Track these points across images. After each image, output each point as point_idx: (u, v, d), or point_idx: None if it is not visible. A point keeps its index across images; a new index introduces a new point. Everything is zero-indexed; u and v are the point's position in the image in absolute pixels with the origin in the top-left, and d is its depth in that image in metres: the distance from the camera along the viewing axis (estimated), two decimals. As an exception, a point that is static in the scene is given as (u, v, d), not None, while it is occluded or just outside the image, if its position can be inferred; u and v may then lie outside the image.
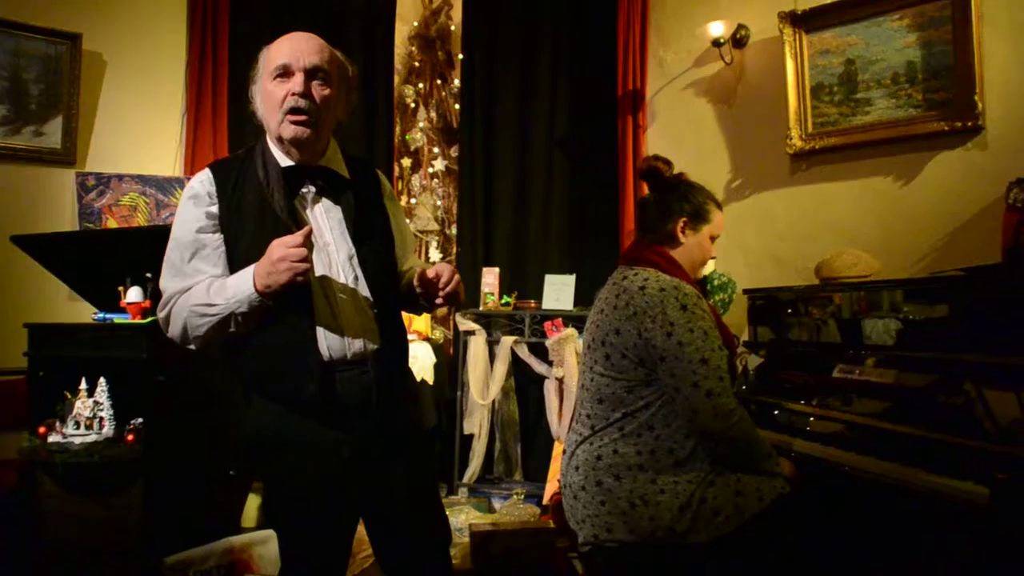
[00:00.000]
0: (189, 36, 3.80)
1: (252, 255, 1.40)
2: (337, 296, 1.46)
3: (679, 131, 3.65)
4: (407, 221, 1.96)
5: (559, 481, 1.88)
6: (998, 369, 1.71)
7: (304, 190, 1.51)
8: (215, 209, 1.47)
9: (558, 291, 3.74)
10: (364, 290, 1.50)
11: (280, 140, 1.48)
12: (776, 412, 2.33)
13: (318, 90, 1.46)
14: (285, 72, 1.45)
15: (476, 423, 3.76)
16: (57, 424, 2.34)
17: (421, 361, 3.68)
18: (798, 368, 2.42)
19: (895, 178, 2.95)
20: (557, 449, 3.46)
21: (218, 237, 1.47)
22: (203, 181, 1.49)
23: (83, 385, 2.34)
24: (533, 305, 3.75)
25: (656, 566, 1.66)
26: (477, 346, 3.72)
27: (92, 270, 2.67)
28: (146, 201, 3.56)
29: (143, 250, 2.33)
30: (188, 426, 2.47)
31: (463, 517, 3.25)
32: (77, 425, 2.31)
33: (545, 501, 3.32)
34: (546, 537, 2.81)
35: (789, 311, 2.59)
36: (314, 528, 1.48)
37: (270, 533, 2.53)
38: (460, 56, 4.24)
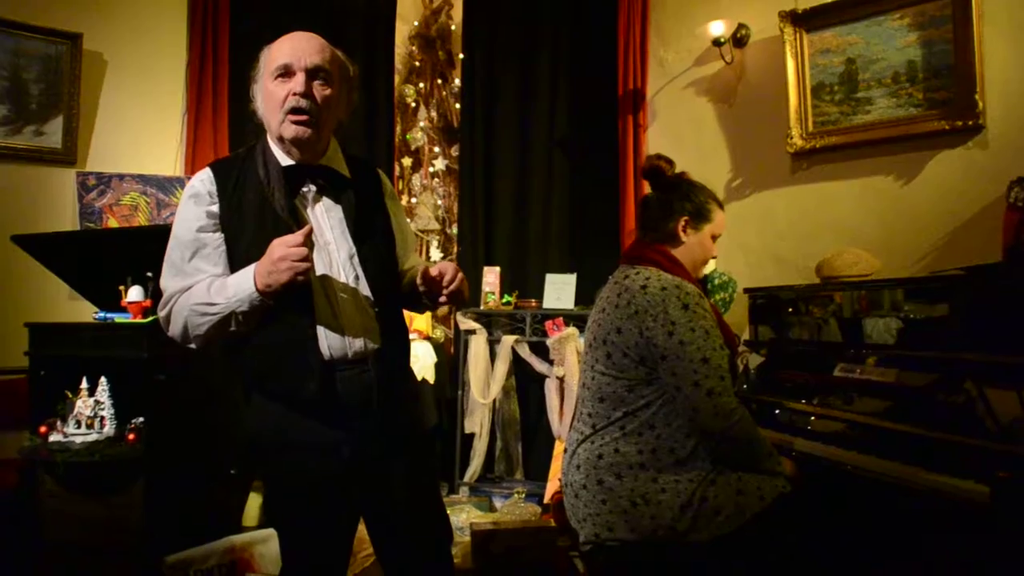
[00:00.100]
0: (189, 36, 3.80)
1: (253, 254, 1.40)
2: (338, 295, 1.46)
3: (680, 130, 3.65)
4: (408, 220, 1.96)
5: (560, 480, 1.88)
6: (999, 368, 1.71)
7: (305, 189, 1.51)
8: (216, 208, 1.46)
9: (559, 290, 3.74)
10: (365, 289, 1.50)
11: (281, 140, 1.48)
12: (777, 411, 2.33)
13: (319, 90, 1.46)
14: (286, 72, 1.45)
15: (477, 422, 3.77)
16: (58, 423, 2.34)
17: (422, 360, 3.68)
18: (799, 367, 2.42)
19: (896, 177, 2.95)
20: (558, 448, 3.46)
21: (219, 236, 1.47)
22: (204, 180, 1.49)
23: (84, 384, 2.35)
24: (534, 304, 3.75)
25: (657, 565, 1.66)
26: (478, 345, 3.73)
27: (93, 270, 2.67)
28: (147, 201, 3.56)
29: (144, 249, 2.33)
30: (189, 425, 2.47)
31: (464, 516, 3.25)
32: (78, 424, 2.32)
33: (546, 500, 3.32)
34: (547, 536, 2.81)
35: (790, 310, 2.59)
36: (315, 527, 1.48)
37: (271, 532, 2.53)
38: (460, 56, 4.24)
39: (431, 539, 1.59)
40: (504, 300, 3.80)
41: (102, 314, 2.55)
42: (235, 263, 1.45)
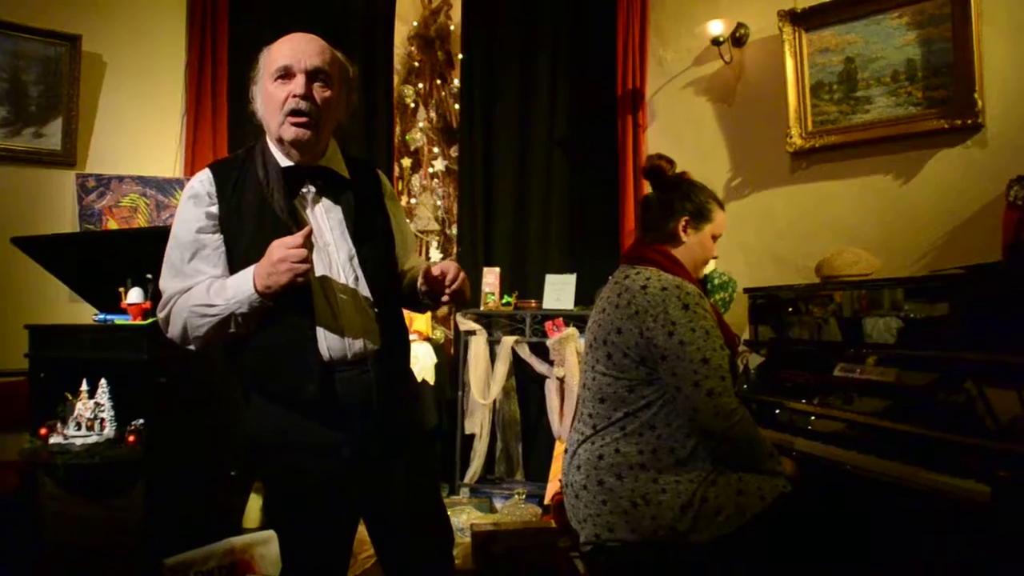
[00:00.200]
0: (189, 37, 3.80)
1: (252, 255, 1.40)
2: (337, 296, 1.46)
3: (679, 130, 3.65)
4: (407, 221, 1.95)
5: (560, 481, 1.88)
6: (999, 367, 1.71)
7: (304, 190, 1.51)
8: (215, 209, 1.46)
9: (559, 291, 3.74)
10: (364, 290, 1.50)
11: (280, 141, 1.48)
12: (777, 411, 2.33)
13: (319, 92, 1.46)
14: (286, 73, 1.45)
15: (477, 423, 3.76)
16: (58, 425, 2.34)
17: (422, 361, 3.68)
18: (799, 367, 2.42)
19: (895, 176, 2.95)
20: (558, 449, 3.46)
21: (218, 237, 1.47)
22: (203, 181, 1.49)
23: (84, 386, 2.35)
24: (534, 305, 3.75)
25: (658, 565, 1.66)
26: (478, 346, 3.72)
27: (93, 271, 2.67)
28: (146, 202, 3.56)
29: (143, 251, 2.33)
30: (189, 427, 2.47)
31: (465, 517, 3.25)
32: (78, 426, 2.31)
33: (546, 501, 3.32)
34: (548, 537, 2.81)
35: (790, 310, 2.59)
36: (314, 528, 1.48)
37: (271, 534, 2.53)
38: (460, 56, 4.24)
39: (431, 540, 1.59)
40: (504, 301, 3.80)
41: (102, 316, 2.55)
42: (234, 264, 1.45)
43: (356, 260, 1.50)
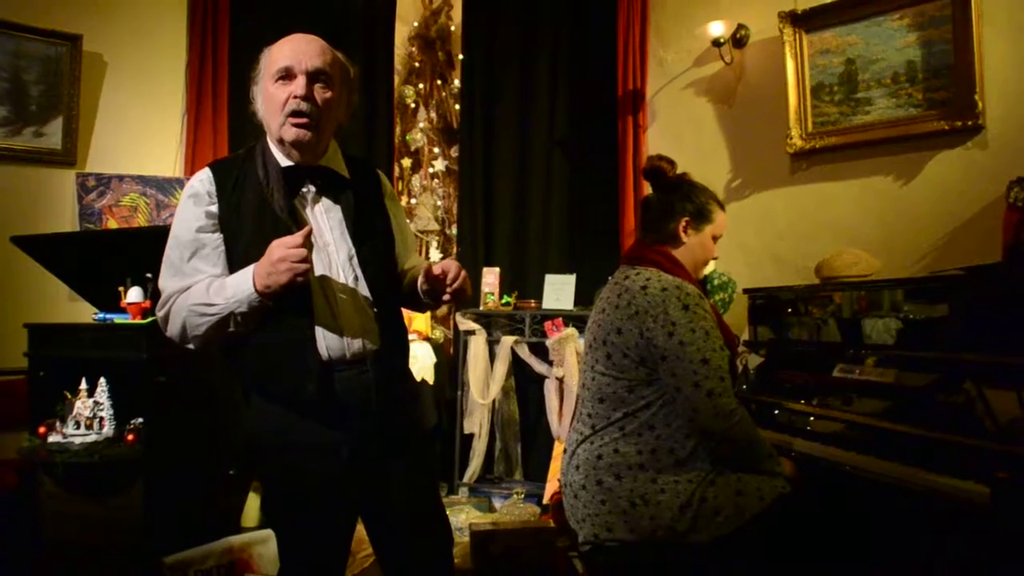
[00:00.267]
0: (189, 37, 3.80)
1: (252, 255, 1.40)
2: (337, 296, 1.46)
3: (679, 131, 3.65)
4: (407, 221, 1.96)
5: (559, 480, 1.88)
6: (998, 368, 1.71)
7: (304, 190, 1.51)
8: (215, 208, 1.46)
9: (558, 291, 3.74)
10: (364, 290, 1.50)
11: (281, 142, 1.48)
12: (776, 412, 2.33)
13: (320, 93, 1.46)
14: (287, 74, 1.45)
15: (476, 423, 3.77)
16: (57, 424, 2.34)
17: (421, 361, 3.68)
18: (798, 368, 2.42)
19: (895, 177, 2.95)
20: (557, 448, 3.46)
21: (218, 236, 1.46)
22: (203, 180, 1.49)
23: (83, 385, 2.34)
24: (533, 305, 3.75)
25: (657, 565, 1.66)
26: (477, 346, 3.72)
27: (92, 270, 2.67)
28: (146, 202, 3.56)
29: (143, 250, 2.33)
30: (188, 426, 2.47)
31: (463, 516, 3.25)
32: (77, 425, 2.31)
33: (545, 500, 3.32)
34: (546, 536, 2.81)
35: (789, 310, 2.59)
36: (313, 528, 1.48)
37: (270, 533, 2.53)
38: (460, 56, 4.24)
39: (430, 540, 1.59)
40: (503, 301, 3.80)
41: (101, 315, 2.55)
42: (234, 264, 1.45)
43: (356, 260, 1.50)
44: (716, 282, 3.11)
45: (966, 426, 1.69)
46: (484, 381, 3.71)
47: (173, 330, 1.45)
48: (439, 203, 4.41)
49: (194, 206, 1.47)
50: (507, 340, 3.69)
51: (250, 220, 1.45)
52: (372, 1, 4.20)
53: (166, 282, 1.47)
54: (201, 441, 2.52)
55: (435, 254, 4.37)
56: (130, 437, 2.31)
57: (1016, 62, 2.63)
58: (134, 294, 2.50)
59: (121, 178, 3.52)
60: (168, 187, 3.61)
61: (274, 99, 1.45)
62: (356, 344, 1.45)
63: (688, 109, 3.63)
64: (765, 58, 3.32)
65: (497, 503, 3.57)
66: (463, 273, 1.50)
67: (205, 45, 3.77)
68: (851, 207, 3.06)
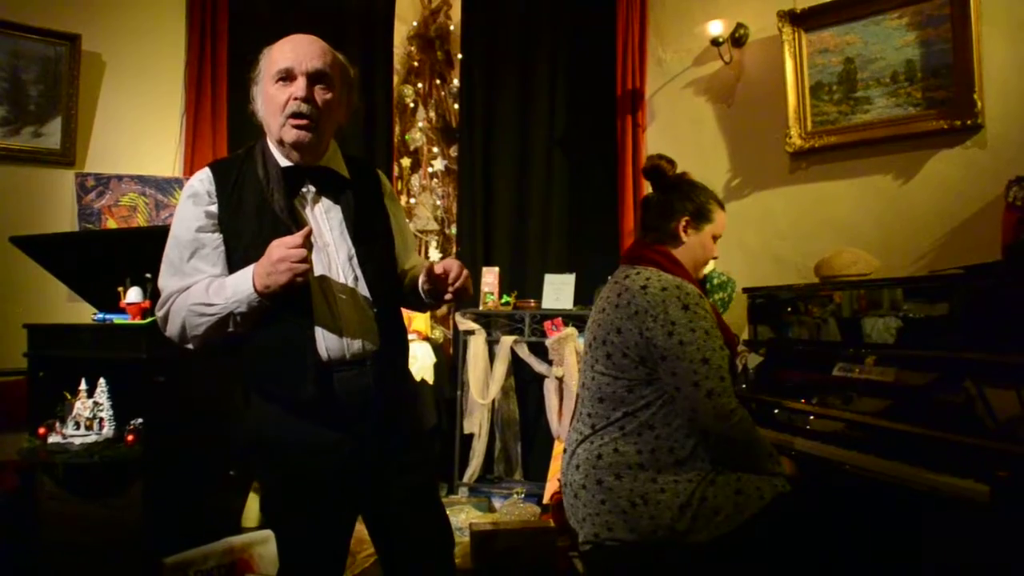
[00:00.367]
0: (188, 36, 3.80)
1: (251, 255, 1.40)
2: (336, 296, 1.46)
3: (679, 130, 3.65)
4: (407, 220, 1.95)
5: (559, 480, 1.88)
6: (998, 367, 1.71)
7: (304, 190, 1.51)
8: (214, 208, 1.46)
9: (558, 290, 3.74)
10: (364, 290, 1.50)
11: (281, 142, 1.48)
12: (776, 411, 2.33)
13: (320, 94, 1.46)
14: (287, 76, 1.45)
15: (476, 422, 3.77)
16: (57, 425, 2.34)
17: (421, 361, 3.68)
18: (798, 367, 2.42)
19: (894, 176, 2.96)
20: (557, 448, 3.46)
21: (217, 236, 1.46)
22: (203, 180, 1.49)
23: (83, 386, 2.34)
24: (533, 304, 3.75)
25: (656, 565, 1.66)
26: (477, 346, 3.72)
27: (92, 271, 2.67)
28: (145, 201, 3.56)
29: (143, 250, 2.33)
30: (188, 426, 2.46)
31: (463, 516, 3.25)
32: (77, 426, 2.31)
33: (545, 500, 3.32)
34: (546, 536, 2.81)
35: (789, 310, 2.59)
36: (312, 528, 1.48)
37: (270, 533, 2.53)
38: (459, 56, 4.24)
39: (430, 540, 1.59)
40: (503, 300, 3.80)
41: (101, 315, 2.54)
42: (234, 263, 1.45)
43: (355, 260, 1.50)
44: (715, 281, 3.11)
45: (966, 425, 1.69)
46: (484, 381, 3.71)
47: (172, 330, 1.45)
48: (438, 203, 4.41)
49: (194, 206, 1.47)
50: (507, 340, 3.69)
51: (250, 220, 1.45)
52: (371, 0, 4.19)
53: (165, 282, 1.47)
54: (201, 441, 2.52)
55: (434, 254, 4.37)
56: (130, 438, 2.30)
57: (1015, 61, 2.64)
58: (133, 294, 2.50)
59: (120, 178, 3.52)
60: (167, 187, 3.60)
61: (274, 100, 1.45)
62: (356, 344, 1.45)
63: (687, 108, 3.63)
64: (764, 57, 3.32)
65: (497, 503, 3.57)
66: (465, 272, 1.50)
67: (204, 45, 3.77)
68: (850, 206, 3.06)
